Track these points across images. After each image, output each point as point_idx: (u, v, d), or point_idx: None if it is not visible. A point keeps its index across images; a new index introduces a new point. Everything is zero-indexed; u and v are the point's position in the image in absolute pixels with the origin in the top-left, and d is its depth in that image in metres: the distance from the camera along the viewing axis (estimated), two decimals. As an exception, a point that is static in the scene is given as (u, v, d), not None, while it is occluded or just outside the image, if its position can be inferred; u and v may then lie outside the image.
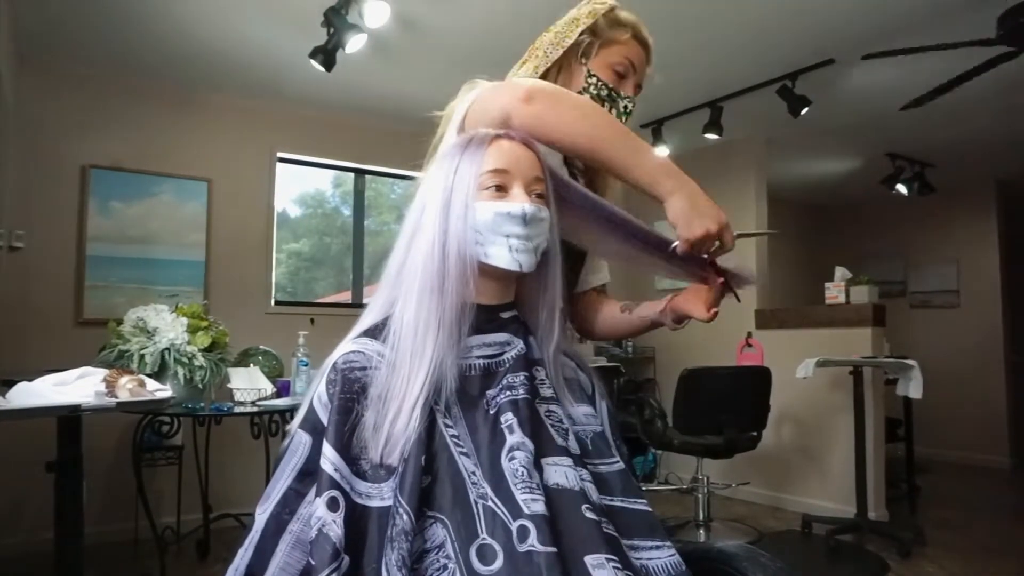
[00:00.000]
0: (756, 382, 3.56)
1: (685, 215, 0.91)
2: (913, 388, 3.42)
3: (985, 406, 5.55)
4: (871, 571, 3.06)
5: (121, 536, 3.32)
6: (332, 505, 0.74)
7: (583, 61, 1.17)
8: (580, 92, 1.15)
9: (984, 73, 2.82)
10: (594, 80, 1.16)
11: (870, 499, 3.58)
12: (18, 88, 3.22)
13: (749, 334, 4.38)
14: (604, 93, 1.16)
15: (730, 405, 3.35)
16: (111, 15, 2.93)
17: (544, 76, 1.16)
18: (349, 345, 0.85)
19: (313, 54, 2.93)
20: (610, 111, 1.15)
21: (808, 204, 6.64)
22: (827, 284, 4.09)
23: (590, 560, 0.75)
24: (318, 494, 0.75)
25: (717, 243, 0.92)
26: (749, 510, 4.14)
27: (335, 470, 0.76)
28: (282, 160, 4.11)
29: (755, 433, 3.48)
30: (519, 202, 0.86)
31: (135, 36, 3.14)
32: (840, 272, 4.08)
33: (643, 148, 0.94)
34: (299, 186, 4.38)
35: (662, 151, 4.35)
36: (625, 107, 1.17)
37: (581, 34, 1.16)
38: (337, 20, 2.81)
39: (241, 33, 3.12)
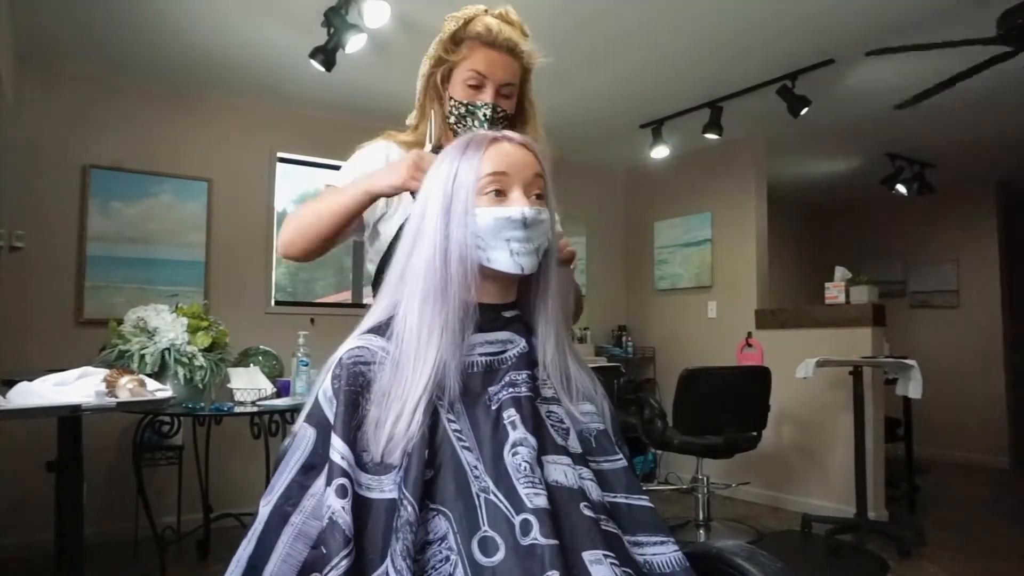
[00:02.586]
0: (756, 382, 3.56)
1: (388, 172, 1.08)
2: (913, 388, 3.42)
3: (985, 406, 5.55)
4: (871, 571, 3.06)
5: (121, 536, 3.32)
6: (341, 493, 0.75)
7: (444, 90, 1.26)
8: (447, 115, 1.25)
9: (982, 72, 2.82)
10: (452, 102, 1.24)
11: (870, 499, 3.57)
12: (18, 88, 3.22)
13: (749, 334, 4.39)
14: (461, 111, 1.23)
15: (730, 405, 3.35)
16: (111, 15, 2.93)
17: (422, 112, 1.30)
18: (354, 341, 0.86)
19: (313, 54, 2.93)
20: (473, 123, 1.22)
21: (808, 204, 6.64)
22: (827, 284, 4.09)
23: (588, 556, 0.77)
24: (328, 482, 0.76)
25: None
26: (749, 510, 4.14)
27: (342, 458, 0.77)
28: (282, 160, 4.11)
29: (755, 433, 3.48)
30: (518, 206, 0.87)
31: (135, 36, 3.14)
32: (840, 272, 4.08)
33: (357, 182, 1.12)
34: (299, 186, 4.38)
35: (662, 151, 4.35)
36: (484, 115, 1.21)
37: (431, 74, 1.26)
38: (337, 20, 2.81)
39: (241, 33, 3.12)
